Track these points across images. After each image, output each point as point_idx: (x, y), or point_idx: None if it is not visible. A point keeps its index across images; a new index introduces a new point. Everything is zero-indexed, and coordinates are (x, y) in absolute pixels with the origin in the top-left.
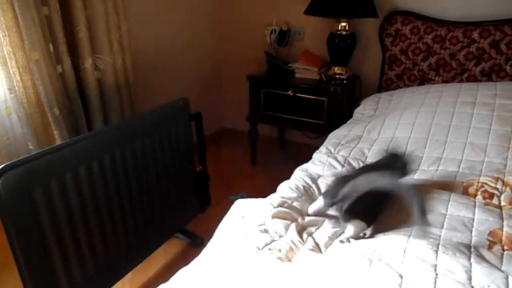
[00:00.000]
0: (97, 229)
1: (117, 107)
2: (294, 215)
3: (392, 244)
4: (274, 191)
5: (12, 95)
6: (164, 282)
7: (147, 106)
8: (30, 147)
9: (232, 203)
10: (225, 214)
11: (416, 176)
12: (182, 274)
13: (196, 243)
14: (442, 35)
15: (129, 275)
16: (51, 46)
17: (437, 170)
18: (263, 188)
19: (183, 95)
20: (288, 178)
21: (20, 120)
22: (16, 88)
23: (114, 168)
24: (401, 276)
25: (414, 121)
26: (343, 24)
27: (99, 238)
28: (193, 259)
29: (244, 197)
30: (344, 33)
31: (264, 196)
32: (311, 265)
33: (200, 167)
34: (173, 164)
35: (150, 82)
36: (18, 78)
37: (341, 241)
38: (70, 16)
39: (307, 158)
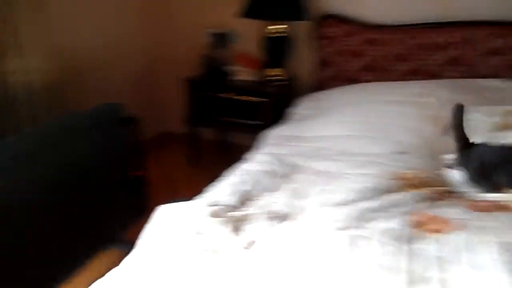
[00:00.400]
0: (15, 244)
1: (44, 111)
2: (227, 213)
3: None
4: None
5: None
6: None
7: (77, 110)
8: None
9: None
10: None
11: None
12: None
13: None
14: (372, 38)
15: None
16: None
17: (370, 163)
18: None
19: (120, 99)
20: None
21: None
22: None
23: (35, 175)
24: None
25: (346, 119)
26: (278, 26)
27: (23, 253)
28: None
29: None
30: (279, 35)
31: None
32: (239, 260)
33: (135, 173)
34: (102, 171)
35: (80, 85)
36: None
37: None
38: None
39: None
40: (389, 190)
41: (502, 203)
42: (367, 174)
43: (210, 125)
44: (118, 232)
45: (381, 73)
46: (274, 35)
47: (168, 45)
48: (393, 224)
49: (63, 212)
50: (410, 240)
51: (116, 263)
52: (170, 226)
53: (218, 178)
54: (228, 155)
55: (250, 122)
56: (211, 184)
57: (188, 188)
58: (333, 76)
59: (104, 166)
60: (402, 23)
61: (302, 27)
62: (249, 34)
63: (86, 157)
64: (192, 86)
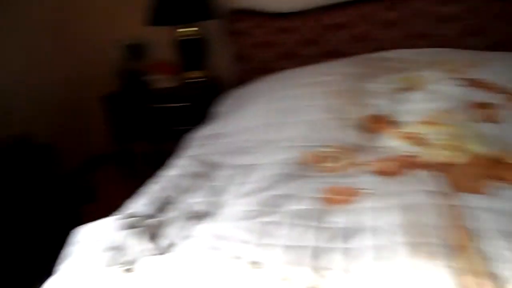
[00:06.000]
0: None
1: None
2: (143, 221)
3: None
4: None
5: None
6: None
7: None
8: None
9: None
10: None
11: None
12: None
13: None
14: (282, 26)
15: None
16: None
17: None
18: None
19: (38, 126)
20: None
21: None
22: None
23: None
24: None
25: (263, 107)
26: (188, 29)
27: None
28: None
29: None
30: (192, 37)
31: None
32: (155, 270)
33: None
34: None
35: None
36: None
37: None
38: None
39: None
40: (301, 172)
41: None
42: (280, 160)
43: (142, 138)
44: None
45: (295, 60)
46: (187, 38)
47: (85, 63)
48: (304, 204)
49: None
50: (319, 216)
51: None
52: (85, 246)
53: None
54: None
55: (181, 128)
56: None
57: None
58: (251, 69)
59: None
60: (306, 9)
61: (213, 26)
62: (162, 41)
63: None
64: (112, 103)
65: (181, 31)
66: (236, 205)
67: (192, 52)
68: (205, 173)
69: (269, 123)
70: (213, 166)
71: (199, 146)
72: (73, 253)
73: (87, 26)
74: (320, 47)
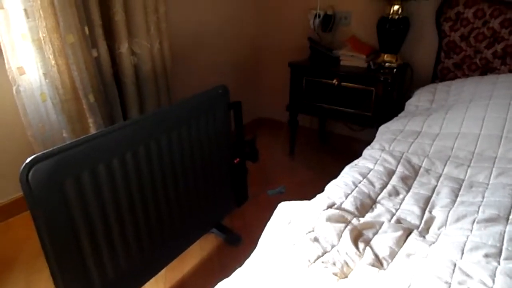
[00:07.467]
0: (131, 223)
1: (153, 94)
2: (347, 217)
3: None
4: (313, 185)
5: (47, 80)
6: (199, 280)
7: (183, 93)
8: (65, 135)
9: (270, 199)
10: (262, 209)
11: (493, 179)
12: None
13: (232, 239)
14: (511, 19)
15: (162, 272)
16: (86, 29)
17: None
18: (301, 182)
19: (220, 82)
20: (328, 172)
21: (55, 107)
22: (51, 73)
23: (149, 160)
24: None
25: (484, 115)
26: (396, 7)
27: (133, 233)
28: (229, 257)
29: (282, 192)
30: (396, 17)
31: (304, 191)
32: (371, 285)
33: (238, 159)
34: (210, 156)
35: (187, 68)
36: (53, 62)
37: (408, 255)
38: None
39: (348, 151)
40: None
41: None
42: (511, 185)
43: (312, 113)
44: (219, 217)
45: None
46: (391, 17)
47: (274, 28)
48: None
49: (175, 194)
50: None
51: (216, 249)
52: (289, 228)
53: (317, 170)
54: (326, 145)
55: (351, 111)
56: (310, 175)
57: (283, 177)
58: (458, 63)
59: (213, 151)
60: None
61: (423, 8)
62: (361, 16)
63: (198, 141)
64: (295, 71)
65: (388, 9)
66: (457, 229)
67: (392, 33)
68: (408, 175)
69: (492, 134)
70: (416, 169)
71: (395, 140)
72: (276, 232)
73: None
74: None
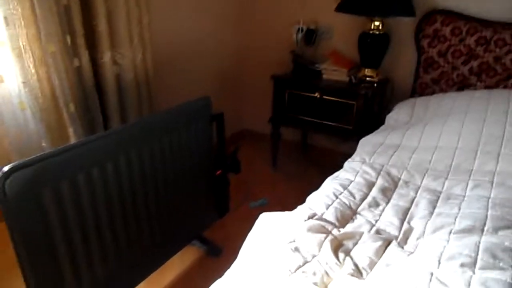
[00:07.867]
0: (110, 234)
1: (135, 104)
2: (328, 227)
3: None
4: (295, 197)
5: (26, 89)
6: None
7: (166, 103)
8: (43, 144)
9: (252, 211)
10: (244, 221)
11: (469, 191)
12: None
13: (213, 251)
14: (486, 37)
15: (141, 284)
16: (68, 38)
17: (492, 184)
18: (284, 194)
19: (203, 93)
20: (310, 184)
21: (34, 116)
22: (31, 81)
23: (129, 170)
24: None
25: (460, 129)
26: (376, 23)
27: (112, 244)
28: (210, 269)
29: (264, 204)
30: (377, 32)
31: (286, 203)
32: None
33: (220, 171)
34: (192, 167)
35: (169, 79)
36: (33, 71)
37: (387, 264)
38: (89, 7)
39: (330, 163)
40: None
41: None
42: (487, 198)
43: (294, 125)
44: (200, 229)
45: (494, 79)
46: (372, 32)
47: (258, 41)
48: None
49: (156, 205)
50: None
51: (197, 261)
52: (270, 238)
53: (300, 182)
54: (308, 158)
55: (333, 124)
56: (292, 187)
57: (265, 189)
58: (436, 79)
59: (194, 162)
60: None
61: (403, 24)
62: (343, 30)
63: (179, 152)
64: (278, 84)
65: (368, 25)
66: (434, 242)
67: (373, 49)
68: (387, 187)
69: (468, 148)
70: (396, 181)
71: (376, 153)
72: (258, 241)
73: (272, 6)
74: None
